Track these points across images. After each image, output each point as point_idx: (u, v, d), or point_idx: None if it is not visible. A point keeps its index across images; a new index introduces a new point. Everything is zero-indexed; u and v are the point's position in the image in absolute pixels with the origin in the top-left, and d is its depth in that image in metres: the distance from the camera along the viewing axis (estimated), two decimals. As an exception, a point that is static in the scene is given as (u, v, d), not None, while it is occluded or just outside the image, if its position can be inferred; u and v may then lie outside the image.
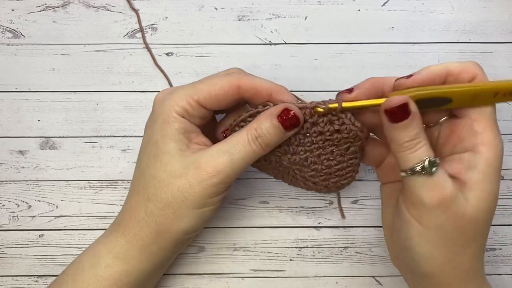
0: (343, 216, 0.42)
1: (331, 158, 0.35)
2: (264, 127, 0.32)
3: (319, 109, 0.33)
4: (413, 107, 0.30)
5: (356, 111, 0.33)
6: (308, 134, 0.34)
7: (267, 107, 0.33)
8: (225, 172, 0.32)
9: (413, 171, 0.30)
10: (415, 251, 0.32)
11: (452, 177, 0.31)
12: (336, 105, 0.32)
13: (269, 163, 0.36)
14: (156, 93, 0.43)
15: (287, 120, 0.32)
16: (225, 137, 0.35)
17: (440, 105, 0.31)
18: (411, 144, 0.30)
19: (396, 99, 0.30)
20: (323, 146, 0.34)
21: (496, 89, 0.30)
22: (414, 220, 0.31)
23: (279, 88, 0.34)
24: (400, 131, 0.30)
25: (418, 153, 0.30)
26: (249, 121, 0.34)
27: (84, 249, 0.42)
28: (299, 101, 0.34)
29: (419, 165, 0.30)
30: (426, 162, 0.30)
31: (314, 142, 0.34)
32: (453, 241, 0.31)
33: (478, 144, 0.30)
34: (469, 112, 0.31)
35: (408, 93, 0.31)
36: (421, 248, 0.31)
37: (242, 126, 0.34)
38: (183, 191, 0.32)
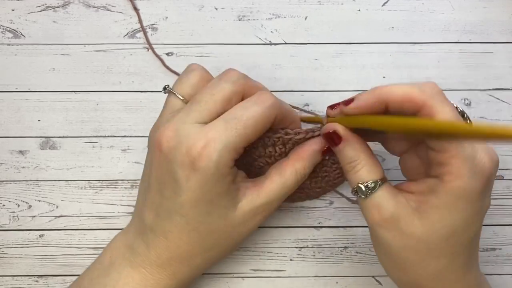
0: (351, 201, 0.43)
1: (318, 181, 0.38)
2: (312, 163, 0.35)
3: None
4: (343, 132, 0.31)
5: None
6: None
7: (310, 134, 0.35)
8: (275, 209, 0.35)
9: (353, 191, 0.32)
10: (377, 255, 0.34)
11: (413, 193, 0.31)
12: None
13: None
14: (156, 93, 0.43)
15: (329, 152, 0.35)
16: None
17: (377, 133, 0.32)
18: (350, 167, 0.31)
19: (327, 127, 0.32)
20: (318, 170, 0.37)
21: (421, 129, 0.26)
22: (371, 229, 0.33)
23: (296, 116, 0.35)
24: (338, 154, 0.32)
25: (356, 176, 0.31)
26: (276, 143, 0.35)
27: (84, 249, 0.42)
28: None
29: (354, 189, 0.31)
30: (360, 186, 0.31)
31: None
32: (405, 259, 0.31)
33: (443, 174, 0.28)
34: (429, 144, 0.29)
35: (343, 120, 0.32)
36: (378, 255, 0.34)
37: (277, 146, 0.35)
38: (243, 234, 0.35)
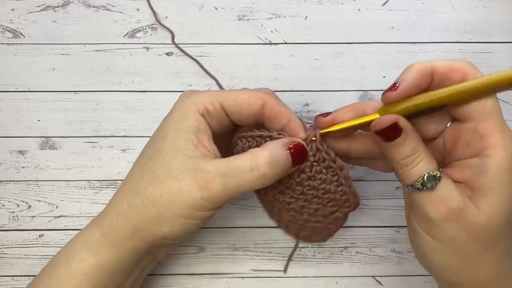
0: (285, 270, 0.42)
1: (312, 214, 0.34)
2: (275, 155, 0.31)
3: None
4: (403, 123, 0.29)
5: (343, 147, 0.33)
6: (300, 183, 0.33)
7: (281, 136, 0.32)
8: (217, 192, 0.31)
9: (414, 188, 0.30)
10: (429, 261, 0.31)
11: (462, 183, 0.30)
12: (314, 137, 0.32)
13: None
14: (156, 93, 0.43)
15: (298, 153, 0.31)
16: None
17: (435, 111, 0.30)
18: (408, 161, 0.29)
19: (386, 119, 0.29)
20: (310, 200, 0.33)
21: (491, 85, 0.28)
22: (424, 233, 0.31)
23: (297, 121, 0.33)
24: (395, 149, 0.30)
25: (416, 169, 0.29)
26: (252, 143, 0.33)
27: (84, 249, 0.42)
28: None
29: (419, 182, 0.29)
30: (425, 178, 0.29)
31: (304, 192, 0.33)
32: (468, 251, 0.30)
33: (485, 148, 0.28)
34: (470, 114, 0.29)
35: (397, 108, 0.30)
36: (434, 259, 0.31)
37: (244, 143, 0.33)
38: (171, 195, 0.31)
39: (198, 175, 0.31)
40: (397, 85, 0.29)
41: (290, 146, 0.31)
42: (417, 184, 0.29)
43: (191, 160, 0.32)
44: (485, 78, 0.28)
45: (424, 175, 0.29)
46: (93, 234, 0.34)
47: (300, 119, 0.33)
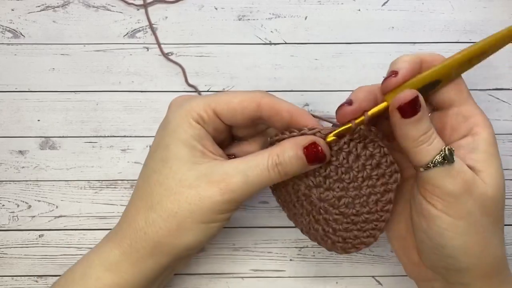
0: None
1: (364, 203, 0.33)
2: (287, 156, 0.32)
3: (346, 127, 0.32)
4: (422, 99, 0.30)
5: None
6: (349, 168, 0.33)
7: (302, 131, 0.33)
8: (238, 192, 0.31)
9: (434, 163, 0.30)
10: (450, 246, 0.31)
11: None
12: (362, 118, 0.32)
13: (290, 194, 0.35)
14: (156, 93, 0.43)
15: (313, 154, 0.32)
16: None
17: (430, 90, 0.32)
18: (427, 137, 0.30)
19: (408, 94, 0.30)
20: (361, 187, 0.33)
21: (477, 51, 0.31)
22: (442, 214, 0.31)
23: (300, 111, 0.33)
24: (414, 126, 0.30)
25: (434, 144, 0.30)
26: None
27: (83, 249, 0.42)
28: (321, 125, 0.34)
29: (440, 156, 0.30)
30: (447, 151, 0.30)
31: (354, 179, 0.33)
32: (483, 226, 0.31)
33: (472, 128, 0.31)
34: (452, 100, 0.32)
35: (406, 87, 0.31)
36: (455, 241, 0.31)
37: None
38: (191, 202, 0.31)
39: (215, 178, 0.31)
40: (396, 72, 0.31)
41: (306, 146, 0.32)
42: (439, 159, 0.30)
43: (202, 166, 0.32)
44: (468, 49, 0.31)
45: (445, 148, 0.30)
46: (111, 253, 0.33)
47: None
